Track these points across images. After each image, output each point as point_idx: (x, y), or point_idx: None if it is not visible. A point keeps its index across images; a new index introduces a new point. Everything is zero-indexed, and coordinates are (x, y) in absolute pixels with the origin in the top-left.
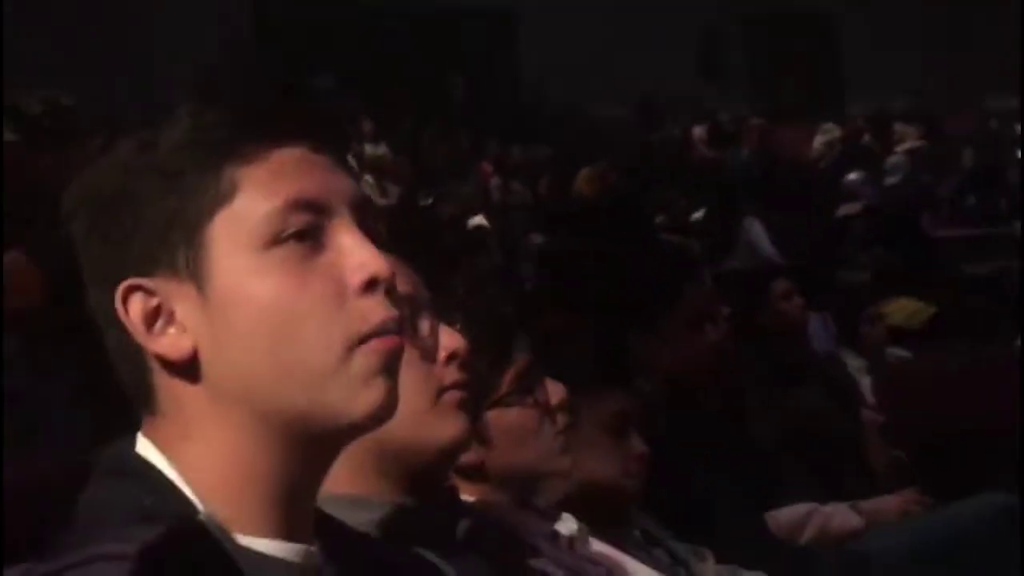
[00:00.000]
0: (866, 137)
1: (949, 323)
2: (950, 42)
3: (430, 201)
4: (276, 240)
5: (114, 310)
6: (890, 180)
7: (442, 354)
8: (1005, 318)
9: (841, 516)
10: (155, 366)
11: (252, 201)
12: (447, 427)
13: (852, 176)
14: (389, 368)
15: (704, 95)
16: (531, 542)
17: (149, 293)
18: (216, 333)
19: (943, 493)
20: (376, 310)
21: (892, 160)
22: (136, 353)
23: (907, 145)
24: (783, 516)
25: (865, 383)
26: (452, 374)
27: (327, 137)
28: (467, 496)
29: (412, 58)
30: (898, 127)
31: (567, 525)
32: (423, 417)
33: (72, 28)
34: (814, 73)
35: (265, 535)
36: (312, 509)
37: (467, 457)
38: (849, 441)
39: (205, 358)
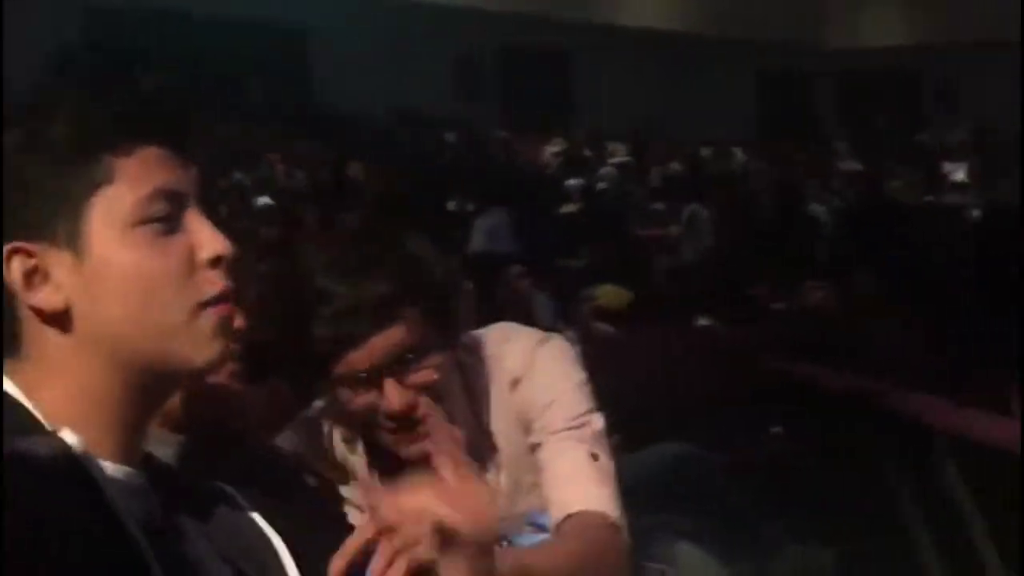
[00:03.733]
0: (585, 151)
1: (644, 306)
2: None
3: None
4: (142, 221)
5: None
6: (601, 186)
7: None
8: (686, 304)
9: None
10: (26, 316)
11: (125, 188)
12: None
13: (571, 181)
14: (226, 329)
15: (462, 110)
16: None
17: (29, 255)
18: (88, 293)
19: (631, 444)
20: (217, 281)
21: (604, 171)
22: (8, 304)
23: (616, 160)
24: None
25: (577, 351)
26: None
27: (184, 136)
28: None
29: (219, 64)
30: (610, 145)
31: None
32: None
33: None
34: (548, 96)
35: (109, 459)
36: (141, 443)
37: None
38: None
39: (76, 313)
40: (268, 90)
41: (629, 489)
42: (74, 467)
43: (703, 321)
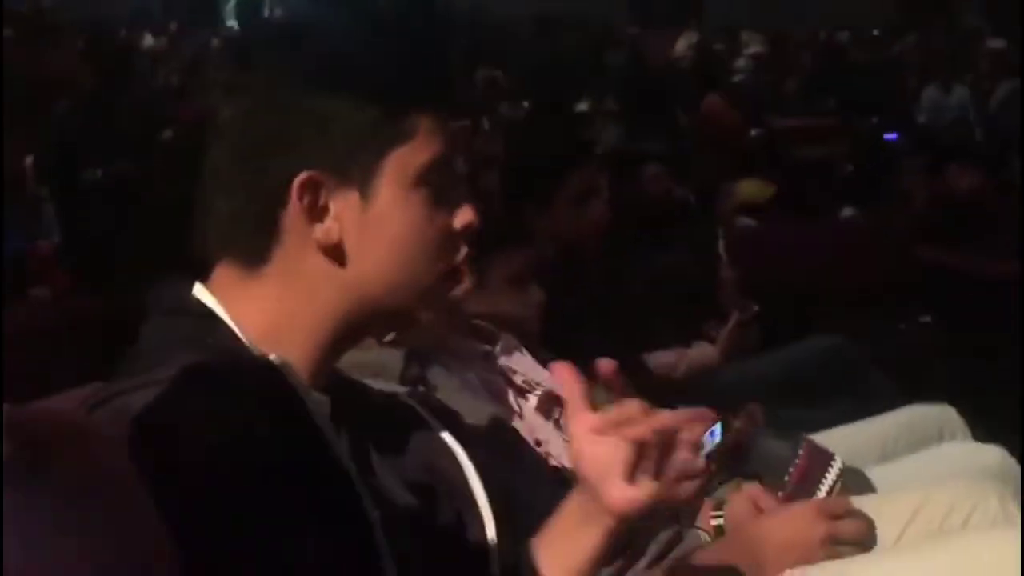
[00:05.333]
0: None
1: (786, 199)
2: None
3: None
4: (426, 182)
5: (274, 184)
6: (737, 78)
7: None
8: (829, 197)
9: (703, 354)
10: (291, 233)
11: (421, 147)
12: None
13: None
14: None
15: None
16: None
17: (318, 185)
18: (363, 236)
19: (782, 335)
20: (464, 249)
21: (739, 63)
22: (271, 221)
23: (752, 50)
24: (660, 358)
25: (720, 245)
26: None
27: (454, 103)
28: None
29: None
30: (744, 35)
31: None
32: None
33: None
34: None
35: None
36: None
37: None
38: (708, 292)
39: (345, 250)
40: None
41: (785, 376)
42: (285, 393)
43: (848, 211)
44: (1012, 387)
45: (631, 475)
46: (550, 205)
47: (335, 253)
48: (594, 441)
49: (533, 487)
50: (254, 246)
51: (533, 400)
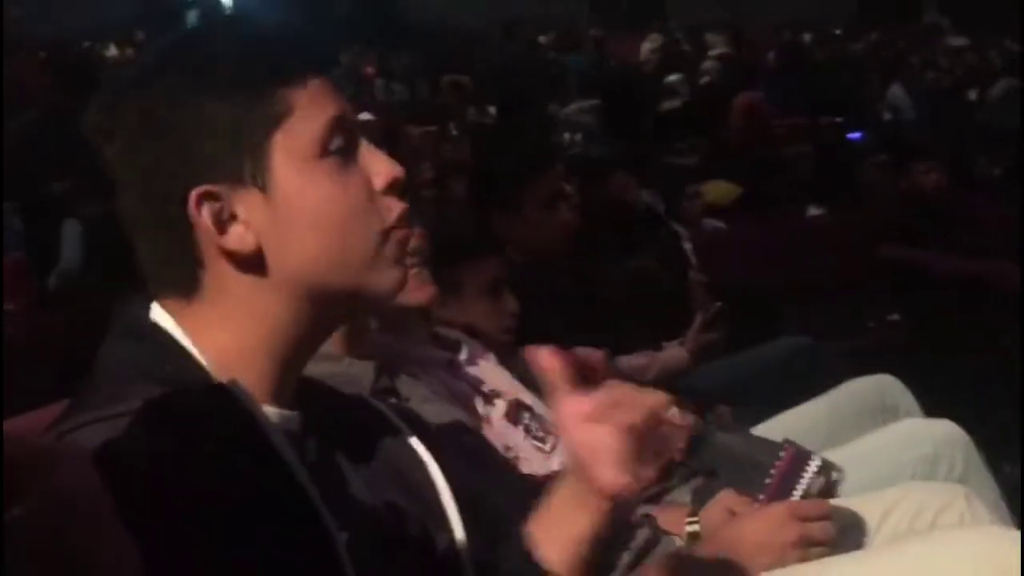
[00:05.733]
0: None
1: (752, 200)
2: None
3: None
4: (324, 152)
5: (173, 212)
6: (704, 80)
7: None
8: (797, 195)
9: (674, 356)
10: (209, 258)
11: (304, 120)
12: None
13: (672, 77)
14: (406, 251)
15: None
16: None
17: (217, 198)
18: (278, 229)
19: (750, 335)
20: (396, 205)
21: (705, 64)
22: (187, 248)
23: (716, 51)
24: (631, 361)
25: (688, 247)
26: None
27: (337, 64)
28: None
29: None
30: (708, 37)
31: (456, 341)
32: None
33: None
34: None
35: (267, 402)
36: (297, 378)
37: None
38: (678, 295)
39: (268, 251)
40: (358, 2)
41: (756, 377)
42: (240, 418)
43: (813, 210)
44: (982, 386)
45: (624, 461)
46: (519, 210)
47: (257, 259)
48: (585, 428)
49: (502, 493)
50: (182, 279)
51: (501, 407)
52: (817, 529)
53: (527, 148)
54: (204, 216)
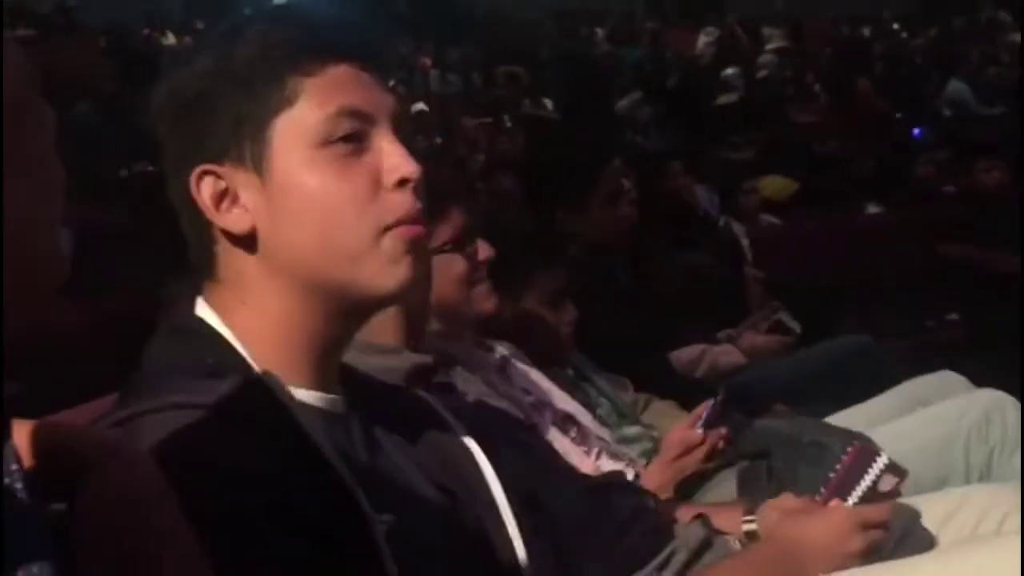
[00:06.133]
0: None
1: (808, 195)
2: None
3: None
4: (327, 141)
5: (188, 193)
6: (761, 74)
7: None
8: (852, 191)
9: (728, 354)
10: (220, 239)
11: (309, 108)
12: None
13: (729, 71)
14: (415, 250)
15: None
16: (483, 373)
17: (218, 177)
18: (273, 214)
19: (809, 334)
20: (403, 203)
21: (763, 58)
22: (204, 229)
23: (774, 45)
24: (683, 355)
25: (744, 243)
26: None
27: (373, 55)
28: None
29: None
30: (766, 30)
31: (501, 351)
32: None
33: None
34: None
35: (303, 387)
36: (339, 363)
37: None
38: (733, 290)
39: (262, 235)
40: None
41: (814, 377)
42: (272, 408)
43: (871, 208)
44: None
45: None
46: (585, 207)
47: (255, 241)
48: None
49: (561, 492)
50: (202, 260)
51: (549, 416)
52: (881, 536)
53: (593, 145)
54: (203, 194)
